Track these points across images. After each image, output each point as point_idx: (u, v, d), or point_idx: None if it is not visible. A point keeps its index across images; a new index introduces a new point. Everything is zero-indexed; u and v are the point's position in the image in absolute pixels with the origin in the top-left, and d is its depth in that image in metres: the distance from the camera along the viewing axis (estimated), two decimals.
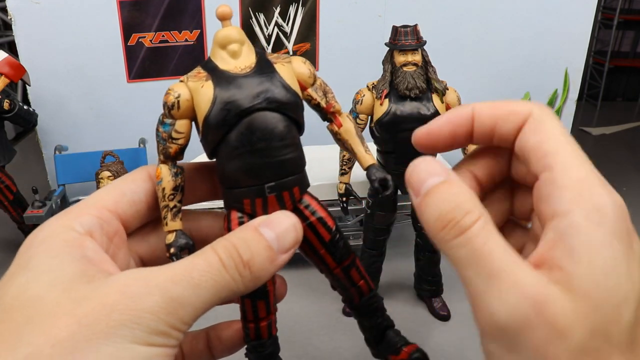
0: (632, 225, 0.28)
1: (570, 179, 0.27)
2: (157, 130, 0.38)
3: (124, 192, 0.37)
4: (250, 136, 0.35)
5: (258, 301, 0.37)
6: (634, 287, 0.24)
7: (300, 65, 0.40)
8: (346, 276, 0.40)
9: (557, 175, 0.27)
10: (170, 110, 0.37)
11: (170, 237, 0.36)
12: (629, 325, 0.23)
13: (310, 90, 0.41)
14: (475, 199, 0.27)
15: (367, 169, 0.41)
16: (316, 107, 0.42)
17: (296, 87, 0.38)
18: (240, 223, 0.36)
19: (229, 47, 0.36)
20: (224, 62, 0.36)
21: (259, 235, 0.32)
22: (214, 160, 0.38)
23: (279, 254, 0.32)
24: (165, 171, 0.38)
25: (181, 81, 0.38)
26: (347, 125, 0.44)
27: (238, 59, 0.36)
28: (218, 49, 0.36)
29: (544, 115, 0.30)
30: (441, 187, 0.27)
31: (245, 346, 0.40)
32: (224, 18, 0.36)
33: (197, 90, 0.36)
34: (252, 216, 0.37)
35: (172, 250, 0.35)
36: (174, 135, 0.38)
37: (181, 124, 0.37)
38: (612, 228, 0.26)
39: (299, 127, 0.39)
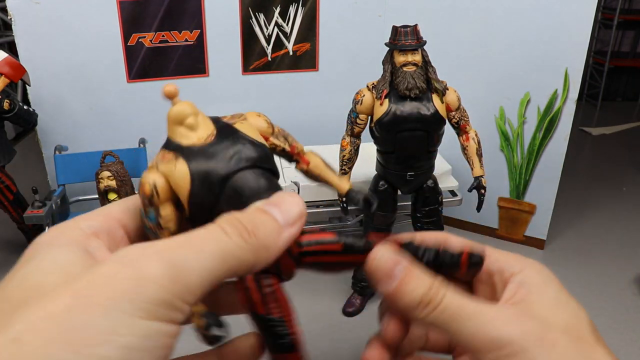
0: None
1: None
2: (144, 224, 0.37)
3: (129, 207, 0.36)
4: (240, 197, 0.35)
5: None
6: (577, 304, 0.36)
7: (257, 119, 0.40)
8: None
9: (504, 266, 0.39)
10: (151, 200, 0.36)
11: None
12: (590, 326, 0.35)
13: (272, 139, 0.41)
14: (431, 275, 0.34)
15: (347, 194, 0.41)
16: (281, 152, 0.42)
17: (261, 140, 0.38)
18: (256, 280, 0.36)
19: (186, 122, 0.36)
20: (186, 138, 0.36)
21: (263, 211, 0.32)
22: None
23: (285, 227, 0.32)
24: None
25: (151, 167, 0.37)
26: (314, 161, 0.44)
27: (197, 130, 0.36)
28: (175, 127, 0.36)
29: None
30: (409, 276, 0.33)
31: None
32: (171, 96, 0.36)
33: (171, 172, 0.36)
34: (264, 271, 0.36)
35: None
36: (163, 223, 0.37)
37: (166, 210, 0.37)
38: (551, 276, 0.37)
39: (276, 174, 0.38)
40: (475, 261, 0.37)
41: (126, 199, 0.37)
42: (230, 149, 0.35)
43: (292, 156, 0.41)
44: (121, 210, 0.35)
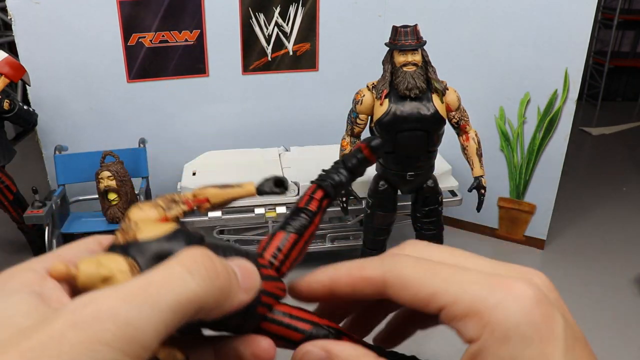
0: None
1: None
2: None
3: (82, 250, 0.34)
4: None
5: None
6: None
7: (147, 211, 0.35)
8: None
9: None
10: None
11: None
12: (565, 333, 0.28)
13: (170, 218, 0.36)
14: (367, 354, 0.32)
15: (258, 191, 0.37)
16: (175, 219, 0.36)
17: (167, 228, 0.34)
18: None
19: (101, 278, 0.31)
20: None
21: (226, 265, 0.30)
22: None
23: (241, 289, 0.30)
24: None
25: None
26: (211, 193, 0.38)
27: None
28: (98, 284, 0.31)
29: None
30: None
31: None
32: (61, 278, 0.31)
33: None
34: None
35: None
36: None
37: None
38: (549, 317, 0.29)
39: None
40: (375, 145, 0.37)
41: (78, 242, 0.34)
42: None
43: (191, 210, 0.36)
44: (75, 254, 0.33)
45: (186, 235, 0.32)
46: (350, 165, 0.38)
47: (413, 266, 0.31)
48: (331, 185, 0.37)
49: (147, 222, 0.33)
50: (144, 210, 0.33)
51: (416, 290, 0.30)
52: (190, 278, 0.26)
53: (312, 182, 0.38)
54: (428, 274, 0.30)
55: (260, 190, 0.36)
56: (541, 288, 0.29)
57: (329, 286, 0.34)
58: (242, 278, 0.30)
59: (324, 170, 0.39)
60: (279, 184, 0.36)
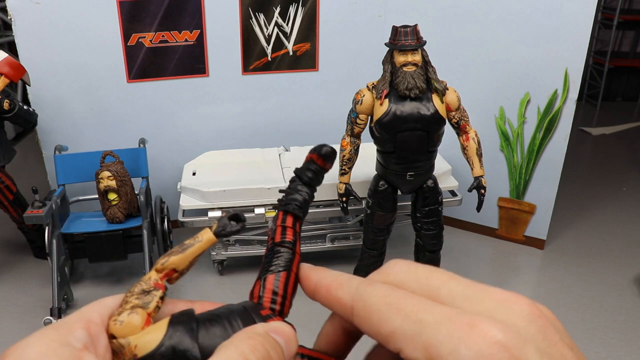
0: None
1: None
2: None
3: (107, 305, 0.33)
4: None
5: None
6: None
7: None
8: None
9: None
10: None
11: None
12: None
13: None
14: None
15: (217, 235, 0.37)
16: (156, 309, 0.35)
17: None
18: None
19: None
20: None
21: (274, 340, 0.30)
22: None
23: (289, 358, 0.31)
24: None
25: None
26: (173, 263, 0.37)
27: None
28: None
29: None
30: None
31: None
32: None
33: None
34: None
35: None
36: None
37: None
38: None
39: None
40: (326, 152, 0.36)
41: (101, 300, 0.34)
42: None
43: (165, 290, 0.35)
44: (100, 315, 0.32)
45: (181, 324, 0.31)
46: (307, 179, 0.37)
47: (381, 297, 0.29)
48: (298, 208, 0.36)
49: (136, 334, 0.31)
50: (124, 322, 0.31)
51: (377, 326, 0.28)
52: None
53: (276, 208, 0.37)
54: (392, 309, 0.28)
55: (219, 234, 0.36)
56: (518, 323, 0.25)
57: (313, 290, 0.34)
58: (286, 347, 0.30)
59: (282, 191, 0.38)
60: (235, 219, 0.35)
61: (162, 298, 0.33)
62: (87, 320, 0.31)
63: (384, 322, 0.28)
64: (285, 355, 0.30)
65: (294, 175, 0.37)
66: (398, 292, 0.29)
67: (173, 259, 0.34)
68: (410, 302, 0.28)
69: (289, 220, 0.36)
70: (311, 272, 0.34)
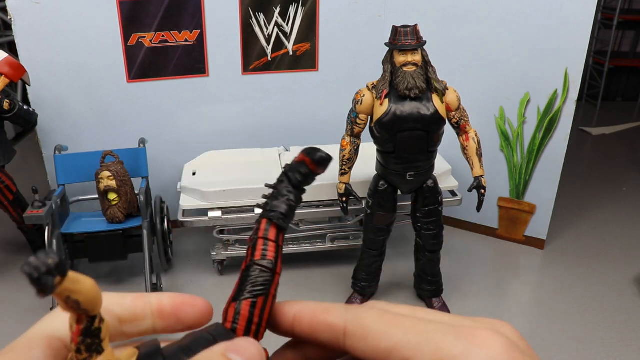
0: None
1: None
2: None
3: (66, 318, 0.30)
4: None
5: None
6: None
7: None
8: None
9: None
10: None
11: None
12: None
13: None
14: None
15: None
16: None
17: None
18: None
19: None
20: None
21: (226, 357, 0.29)
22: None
23: None
24: None
25: None
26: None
27: None
28: None
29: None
30: None
31: None
32: None
33: None
34: None
35: None
36: None
37: None
38: None
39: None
40: (319, 158, 0.34)
41: (57, 311, 0.30)
42: None
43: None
44: (62, 324, 0.30)
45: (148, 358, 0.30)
46: (296, 181, 0.34)
47: (377, 316, 0.30)
48: (283, 217, 0.34)
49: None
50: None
51: (377, 341, 0.29)
52: None
53: (260, 208, 0.35)
54: (390, 324, 0.29)
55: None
56: (510, 337, 0.28)
57: (291, 323, 0.33)
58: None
59: (268, 186, 0.35)
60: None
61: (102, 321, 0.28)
62: (48, 336, 0.29)
63: (385, 338, 0.28)
64: None
65: (282, 173, 0.35)
66: (393, 313, 0.30)
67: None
68: (407, 320, 0.29)
69: (272, 233, 0.34)
70: (286, 307, 0.33)
